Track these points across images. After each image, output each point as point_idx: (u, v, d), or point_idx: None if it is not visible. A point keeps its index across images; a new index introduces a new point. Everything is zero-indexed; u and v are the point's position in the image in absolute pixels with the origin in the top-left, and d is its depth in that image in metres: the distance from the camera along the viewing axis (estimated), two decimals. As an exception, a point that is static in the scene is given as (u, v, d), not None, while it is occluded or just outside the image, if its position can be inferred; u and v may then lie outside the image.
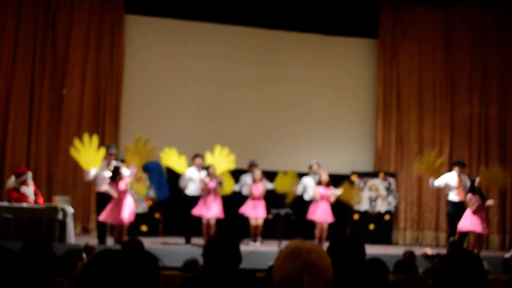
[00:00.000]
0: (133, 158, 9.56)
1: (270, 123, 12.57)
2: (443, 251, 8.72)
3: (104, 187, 9.44)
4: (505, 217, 12.61)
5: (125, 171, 9.45)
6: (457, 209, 10.20)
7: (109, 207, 9.36)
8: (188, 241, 10.65)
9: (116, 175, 9.31)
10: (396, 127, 12.90)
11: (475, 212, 9.70)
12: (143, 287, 2.86)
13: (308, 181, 11.19)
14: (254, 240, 10.76)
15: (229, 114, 12.47)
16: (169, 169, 11.61)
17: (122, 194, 9.35)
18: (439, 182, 10.50)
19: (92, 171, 9.58)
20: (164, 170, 11.72)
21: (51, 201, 10.33)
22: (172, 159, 10.56)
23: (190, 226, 10.67)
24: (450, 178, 10.49)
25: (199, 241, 10.48)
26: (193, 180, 10.60)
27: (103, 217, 9.38)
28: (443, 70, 12.95)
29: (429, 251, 8.89)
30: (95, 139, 9.58)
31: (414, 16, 13.03)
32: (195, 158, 10.64)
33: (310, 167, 11.27)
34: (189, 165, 10.71)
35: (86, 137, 9.58)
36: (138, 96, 12.21)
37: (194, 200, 10.51)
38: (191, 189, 10.62)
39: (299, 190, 11.16)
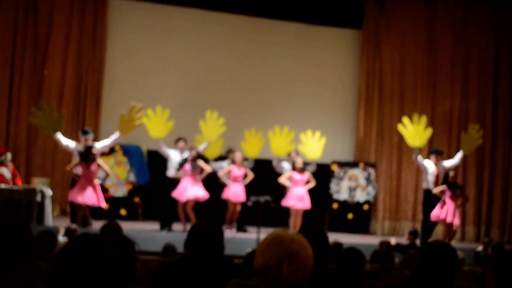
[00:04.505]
0: (124, 127, 9.47)
1: (252, 109, 12.56)
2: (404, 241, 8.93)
3: (73, 162, 9.33)
4: (481, 210, 12.78)
5: (98, 145, 9.35)
6: (432, 198, 10.25)
7: (77, 187, 9.22)
8: (163, 228, 10.41)
9: (87, 156, 9.10)
10: (378, 118, 12.97)
11: (447, 203, 9.87)
12: (120, 271, 2.86)
13: (286, 166, 11.19)
14: (230, 226, 10.72)
15: (211, 100, 12.39)
16: (149, 153, 11.57)
17: (92, 175, 9.24)
18: (421, 161, 10.40)
19: (70, 143, 9.46)
20: (144, 154, 11.68)
21: (30, 183, 10.25)
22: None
23: (167, 212, 10.53)
24: (429, 166, 10.51)
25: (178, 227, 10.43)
26: (174, 162, 10.45)
27: (71, 196, 9.26)
28: (425, 63, 13.03)
29: (393, 241, 9.01)
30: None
31: (398, 8, 13.08)
32: (178, 141, 10.50)
33: (289, 154, 11.24)
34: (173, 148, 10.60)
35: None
36: (120, 80, 12.11)
37: (174, 183, 10.38)
38: (172, 171, 10.52)
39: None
